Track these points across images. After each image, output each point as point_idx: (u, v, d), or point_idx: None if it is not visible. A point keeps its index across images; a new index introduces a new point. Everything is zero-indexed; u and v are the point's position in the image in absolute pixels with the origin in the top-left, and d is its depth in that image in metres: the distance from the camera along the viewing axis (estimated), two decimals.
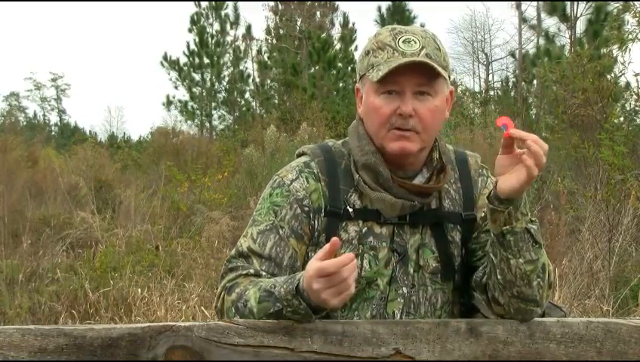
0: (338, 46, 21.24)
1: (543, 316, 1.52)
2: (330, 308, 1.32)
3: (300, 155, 1.60)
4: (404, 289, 1.50)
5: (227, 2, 23.67)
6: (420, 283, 1.51)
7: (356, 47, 21.64)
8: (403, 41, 1.44)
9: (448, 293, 1.54)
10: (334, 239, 1.29)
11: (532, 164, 1.33)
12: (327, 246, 1.29)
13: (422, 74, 1.44)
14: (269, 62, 22.72)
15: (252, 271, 1.46)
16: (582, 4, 16.15)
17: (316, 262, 1.27)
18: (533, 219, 1.43)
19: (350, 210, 1.49)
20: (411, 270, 1.50)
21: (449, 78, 1.50)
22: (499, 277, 1.42)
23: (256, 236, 1.49)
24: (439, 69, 1.43)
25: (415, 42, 1.44)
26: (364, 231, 1.49)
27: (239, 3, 29.18)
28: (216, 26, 23.54)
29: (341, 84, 19.45)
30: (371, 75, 1.45)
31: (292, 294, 1.32)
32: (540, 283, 1.42)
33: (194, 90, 23.38)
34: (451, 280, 1.54)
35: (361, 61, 1.51)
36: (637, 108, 7.46)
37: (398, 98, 1.45)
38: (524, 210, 1.40)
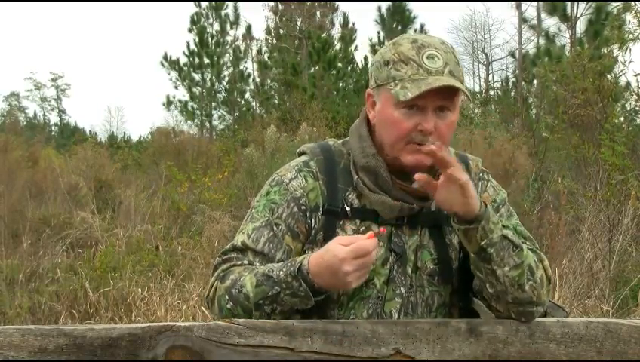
0: (338, 46, 21.25)
1: (545, 315, 1.52)
2: (346, 289, 1.40)
3: (300, 154, 1.62)
4: (402, 289, 1.50)
5: (227, 2, 23.70)
6: (417, 284, 1.51)
7: (356, 47, 21.66)
8: (427, 57, 1.43)
9: (445, 296, 1.54)
10: (371, 233, 1.36)
11: (452, 171, 1.34)
12: (363, 237, 1.34)
13: (445, 92, 1.43)
14: (269, 62, 22.73)
15: (246, 261, 1.48)
16: (582, 4, 16.17)
17: (343, 247, 1.33)
18: (505, 224, 1.45)
19: (348, 208, 1.50)
20: (409, 270, 1.50)
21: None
22: (490, 290, 1.43)
23: (251, 232, 1.51)
24: (462, 87, 1.42)
25: (438, 58, 1.43)
26: (361, 230, 1.49)
27: (239, 3, 29.21)
28: (216, 26, 23.57)
29: (341, 84, 19.46)
30: (396, 91, 1.42)
31: (292, 276, 1.36)
32: (532, 284, 1.42)
33: (194, 90, 23.38)
34: (449, 283, 1.54)
35: (379, 69, 1.48)
36: (637, 108, 7.47)
37: (419, 113, 1.44)
38: (494, 219, 1.41)
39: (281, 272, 1.38)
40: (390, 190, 1.49)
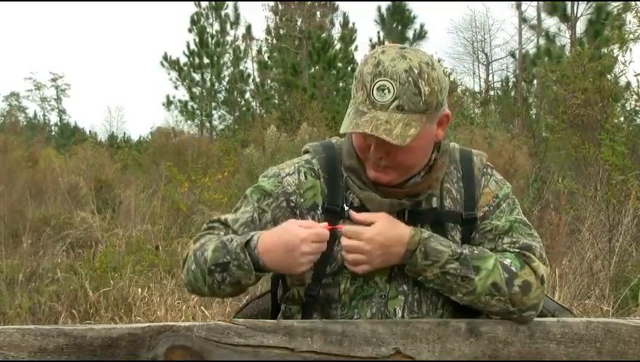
0: (338, 46, 21.24)
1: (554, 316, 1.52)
2: (290, 273, 1.44)
3: (305, 153, 1.63)
4: (405, 287, 1.50)
5: (227, 2, 23.70)
6: (420, 281, 1.51)
7: (356, 47, 21.67)
8: (377, 88, 1.39)
9: None
10: (326, 224, 1.44)
11: (347, 264, 1.45)
12: (322, 225, 1.42)
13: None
14: (269, 62, 22.73)
15: (222, 233, 1.53)
16: (582, 4, 16.17)
17: (304, 229, 1.40)
18: (451, 255, 1.44)
19: (347, 208, 1.50)
20: (419, 279, 1.50)
21: (442, 104, 1.45)
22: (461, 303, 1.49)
23: (238, 213, 1.56)
24: (394, 139, 1.37)
25: (389, 91, 1.39)
26: None
27: (239, 3, 29.21)
28: (216, 26, 23.57)
29: (341, 84, 19.45)
30: (344, 120, 1.45)
31: (241, 247, 1.41)
32: (501, 298, 1.43)
33: (194, 90, 23.39)
34: None
35: (354, 79, 1.49)
36: (637, 108, 7.46)
37: (373, 138, 1.43)
38: (426, 261, 1.44)
39: (235, 243, 1.43)
40: (377, 188, 1.50)
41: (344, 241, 1.44)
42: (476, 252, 1.47)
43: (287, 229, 1.41)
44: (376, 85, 1.40)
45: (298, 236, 1.38)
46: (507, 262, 1.46)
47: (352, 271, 1.47)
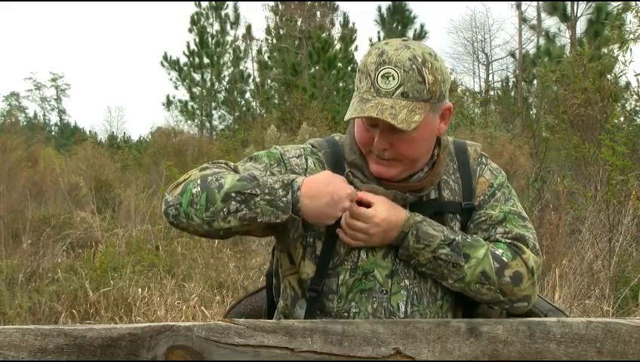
0: (338, 46, 21.26)
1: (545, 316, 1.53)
2: (320, 223, 1.42)
3: None
4: (407, 282, 1.51)
5: (227, 2, 23.71)
6: (420, 274, 1.52)
7: (356, 47, 21.69)
8: (382, 76, 1.40)
9: None
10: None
11: (342, 235, 1.47)
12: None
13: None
14: (269, 62, 22.75)
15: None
16: (582, 4, 16.19)
17: (350, 186, 1.43)
18: (443, 240, 1.46)
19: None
20: (412, 262, 1.51)
21: (444, 96, 1.46)
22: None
23: (247, 165, 1.52)
24: (399, 123, 1.38)
25: (394, 78, 1.40)
26: None
27: (239, 3, 29.25)
28: (217, 26, 23.60)
29: (341, 84, 19.47)
30: (348, 109, 1.45)
31: (282, 184, 1.37)
32: (491, 287, 1.46)
33: (194, 90, 23.41)
34: None
35: (357, 73, 1.50)
36: (637, 108, 7.46)
37: (376, 128, 1.45)
38: (418, 245, 1.46)
39: (269, 179, 1.39)
40: (379, 183, 1.51)
41: (348, 220, 1.45)
42: (469, 240, 1.48)
43: (333, 181, 1.40)
44: (381, 73, 1.41)
45: (345, 190, 1.40)
46: (499, 252, 1.48)
47: (344, 242, 1.48)
